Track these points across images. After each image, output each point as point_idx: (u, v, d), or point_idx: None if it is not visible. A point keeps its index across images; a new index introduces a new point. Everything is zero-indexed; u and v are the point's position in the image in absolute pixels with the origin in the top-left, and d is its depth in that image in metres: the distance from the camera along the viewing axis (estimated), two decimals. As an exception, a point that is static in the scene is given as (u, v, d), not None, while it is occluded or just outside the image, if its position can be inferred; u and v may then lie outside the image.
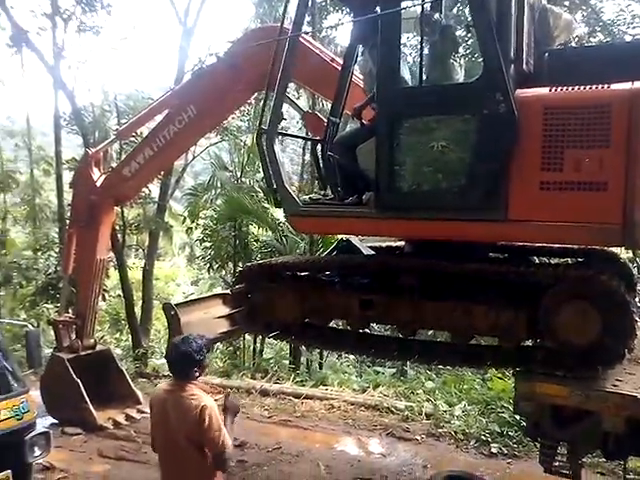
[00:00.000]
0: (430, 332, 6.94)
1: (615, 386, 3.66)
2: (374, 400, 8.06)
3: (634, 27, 9.70)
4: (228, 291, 6.16)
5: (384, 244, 5.69)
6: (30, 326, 6.52)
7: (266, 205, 11.55)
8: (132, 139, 9.44)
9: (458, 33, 5.41)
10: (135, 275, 13.97)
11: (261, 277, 5.08)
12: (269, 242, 12.17)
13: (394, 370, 10.86)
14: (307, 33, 6.15)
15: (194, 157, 15.04)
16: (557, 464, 3.98)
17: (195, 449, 3.20)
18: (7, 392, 4.41)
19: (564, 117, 3.57)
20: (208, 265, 13.31)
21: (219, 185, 13.65)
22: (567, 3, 9.69)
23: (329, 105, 5.43)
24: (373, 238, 5.70)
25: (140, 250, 15.98)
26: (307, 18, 6.95)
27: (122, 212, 12.26)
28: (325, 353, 11.56)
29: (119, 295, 13.97)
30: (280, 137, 5.15)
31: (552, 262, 5.02)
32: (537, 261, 5.07)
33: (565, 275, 3.84)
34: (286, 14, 4.86)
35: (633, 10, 9.80)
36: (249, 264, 5.64)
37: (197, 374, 3.33)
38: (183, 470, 3.25)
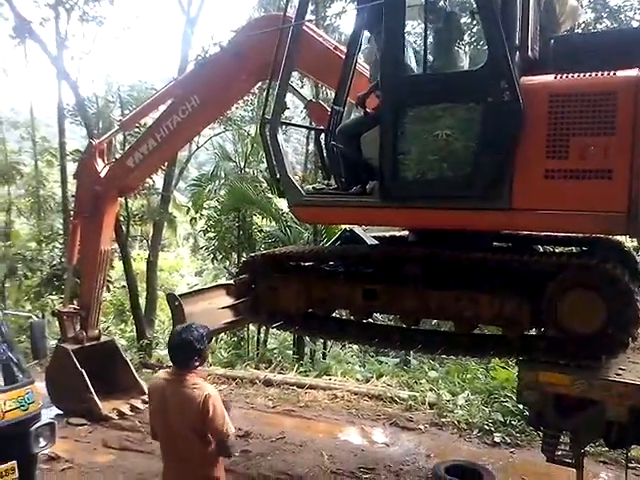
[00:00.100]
0: (434, 322, 6.94)
1: (618, 375, 3.65)
2: (377, 390, 8.09)
3: (641, 13, 9.61)
4: (232, 281, 6.16)
5: (388, 234, 5.68)
6: (35, 317, 6.53)
7: (270, 195, 11.52)
8: (136, 130, 9.43)
9: (463, 20, 5.35)
10: (139, 266, 14.04)
11: (265, 267, 5.08)
12: (273, 232, 12.16)
13: (397, 360, 10.90)
14: (310, 21, 6.10)
15: (198, 147, 15.04)
16: (560, 453, 3.97)
17: (197, 437, 3.22)
18: (12, 383, 4.41)
19: (569, 104, 3.53)
20: (212, 256, 13.32)
21: (223, 175, 13.63)
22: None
23: (333, 94, 5.40)
24: (377, 228, 5.69)
25: (144, 241, 16.05)
26: (310, 6, 6.88)
27: (126, 203, 12.29)
28: (329, 343, 11.58)
29: (123, 286, 14.04)
30: (284, 127, 5.13)
31: (556, 251, 5.00)
32: (541, 250, 5.05)
33: (569, 263, 3.82)
34: (289, 2, 4.83)
35: (640, -4, 9.70)
36: (253, 254, 5.63)
37: (197, 363, 3.33)
38: (186, 458, 3.26)
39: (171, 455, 3.38)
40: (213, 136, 14.46)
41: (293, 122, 8.83)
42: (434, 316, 4.81)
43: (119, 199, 8.06)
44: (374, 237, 5.34)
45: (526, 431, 6.39)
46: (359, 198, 4.42)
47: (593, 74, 3.55)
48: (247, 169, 13.73)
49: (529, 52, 3.93)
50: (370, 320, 5.05)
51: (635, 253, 5.53)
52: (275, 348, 11.77)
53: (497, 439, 6.43)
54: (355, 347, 11.55)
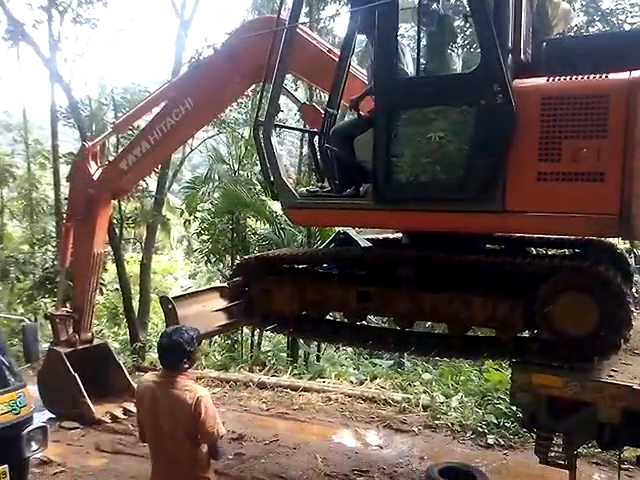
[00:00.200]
0: (427, 324, 6.95)
1: (611, 376, 3.65)
2: (371, 392, 8.08)
3: (633, 16, 9.63)
4: (226, 284, 6.14)
5: (381, 236, 5.68)
6: (27, 320, 6.52)
7: (264, 198, 11.53)
8: (129, 132, 9.40)
9: (456, 23, 5.38)
10: (133, 269, 13.98)
11: (259, 270, 5.06)
12: (267, 235, 12.17)
13: (391, 362, 10.91)
14: (304, 24, 6.11)
15: (192, 150, 15.03)
16: (553, 454, 3.99)
17: (188, 439, 3.21)
18: (4, 386, 4.37)
19: (562, 107, 3.55)
20: (206, 258, 13.31)
21: (216, 178, 13.62)
22: (565, -7, 9.63)
23: (326, 97, 5.40)
24: (371, 230, 5.69)
25: (138, 244, 15.98)
26: (304, 9, 6.89)
27: (119, 205, 12.23)
28: (323, 345, 11.59)
29: (116, 289, 13.97)
30: (277, 129, 5.12)
31: (549, 253, 5.02)
32: (534, 252, 5.07)
33: (561, 266, 3.84)
34: (283, 5, 4.83)
35: (632, -1, 9.76)
36: (246, 257, 5.63)
37: (186, 366, 3.32)
38: (176, 460, 3.25)
39: (160, 457, 3.36)
40: (207, 138, 14.45)
41: (287, 125, 8.84)
42: (428, 318, 4.83)
43: (112, 202, 8.01)
44: (368, 239, 5.35)
45: (519, 433, 6.40)
46: (353, 200, 4.43)
47: (585, 77, 3.57)
48: (241, 172, 13.73)
49: (522, 55, 3.95)
50: (364, 322, 5.05)
51: (627, 255, 5.55)
52: (269, 351, 11.77)
53: (490, 441, 6.44)
54: (349, 349, 11.55)
